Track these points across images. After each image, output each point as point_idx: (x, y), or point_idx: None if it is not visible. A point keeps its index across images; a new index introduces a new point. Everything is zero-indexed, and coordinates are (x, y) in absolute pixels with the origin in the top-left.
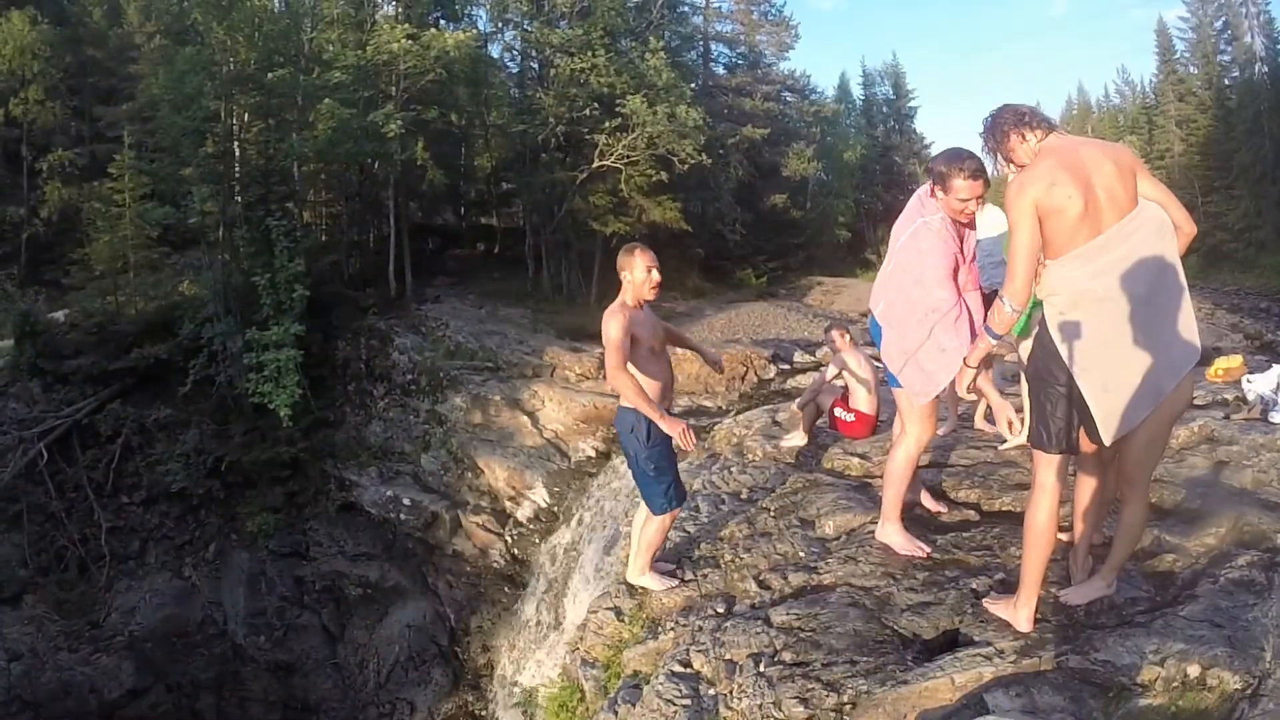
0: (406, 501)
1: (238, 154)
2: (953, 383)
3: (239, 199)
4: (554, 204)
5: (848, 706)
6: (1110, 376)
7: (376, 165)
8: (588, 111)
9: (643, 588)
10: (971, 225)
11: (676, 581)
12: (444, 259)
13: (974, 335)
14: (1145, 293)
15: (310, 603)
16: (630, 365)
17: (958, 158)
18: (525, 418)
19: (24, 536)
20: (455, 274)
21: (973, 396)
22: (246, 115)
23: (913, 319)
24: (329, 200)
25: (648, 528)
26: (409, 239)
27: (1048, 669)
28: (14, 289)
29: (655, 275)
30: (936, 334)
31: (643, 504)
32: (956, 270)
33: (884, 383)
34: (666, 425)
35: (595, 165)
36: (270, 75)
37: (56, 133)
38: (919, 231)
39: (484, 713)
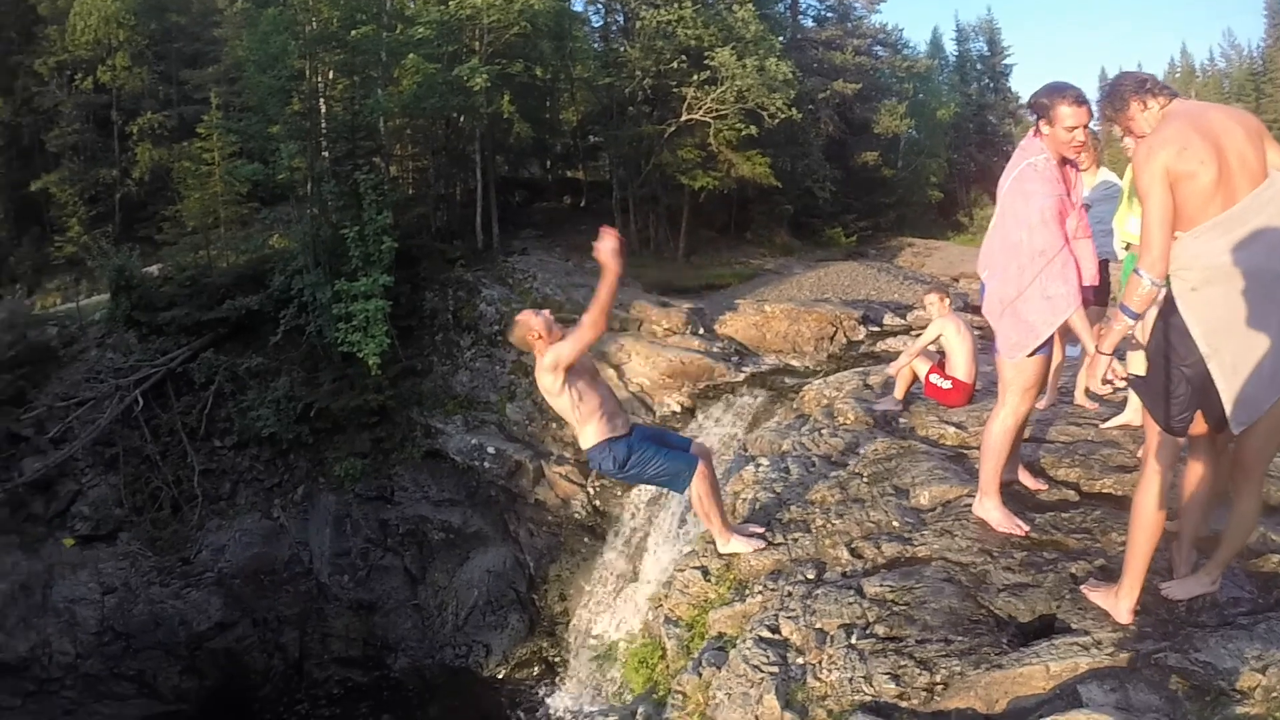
0: (491, 450)
1: (324, 110)
2: (1053, 350)
3: (326, 154)
4: (641, 158)
5: (939, 686)
6: (1240, 358)
7: (462, 119)
8: (675, 64)
9: (732, 552)
10: (1078, 164)
11: (764, 543)
12: (530, 212)
13: (1082, 286)
14: None
15: (393, 545)
16: (577, 394)
17: (1059, 87)
18: (611, 371)
19: (120, 478)
20: (542, 227)
21: (1107, 389)
22: (331, 73)
23: (1014, 264)
24: (415, 154)
25: (695, 502)
26: (495, 192)
27: (1144, 665)
28: (110, 246)
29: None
30: (1042, 280)
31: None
32: (1064, 215)
33: (984, 351)
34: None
35: (683, 119)
36: (353, 33)
37: (145, 97)
38: (1024, 173)
39: (558, 659)
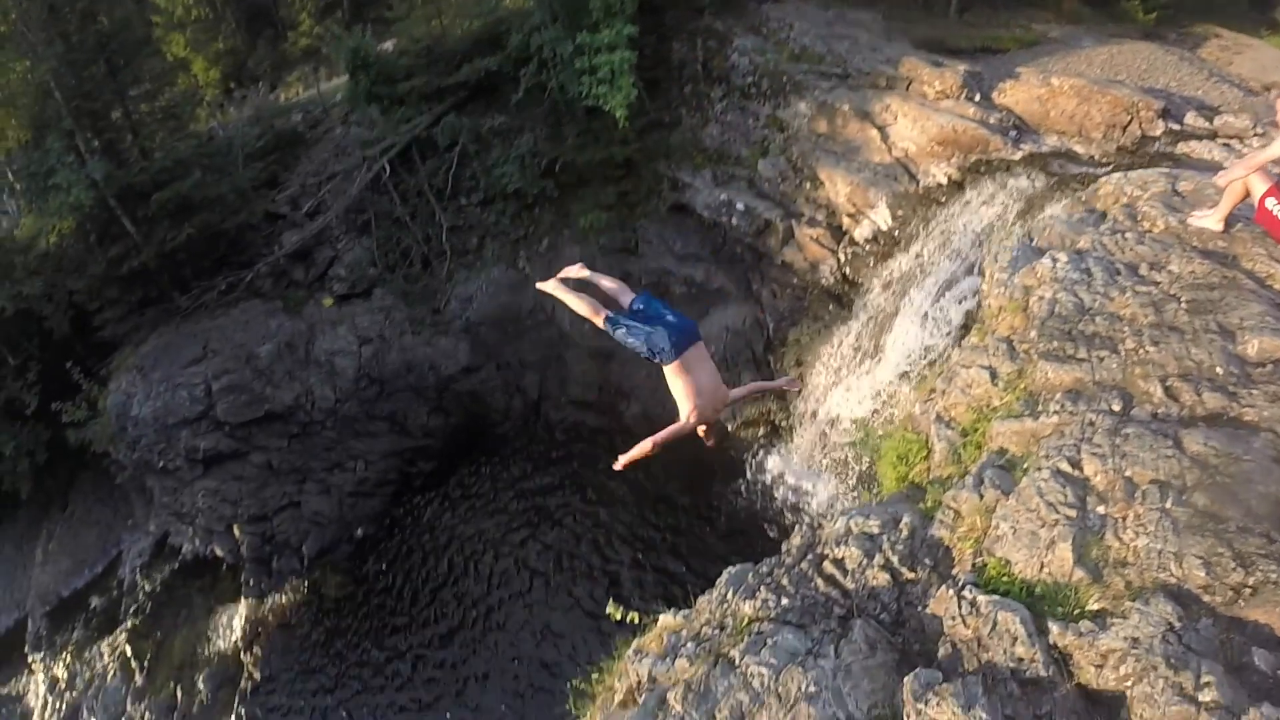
0: (740, 206)
1: None
2: None
3: None
4: None
5: (1247, 590)
6: None
7: None
8: None
9: None
10: None
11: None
12: None
13: None
14: None
15: None
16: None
17: None
18: (875, 132)
19: (373, 240)
20: None
21: None
22: None
23: None
24: None
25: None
26: None
27: None
28: (342, 30)
29: None
30: None
31: None
32: None
33: None
34: None
35: None
36: None
37: None
38: None
39: (784, 424)
